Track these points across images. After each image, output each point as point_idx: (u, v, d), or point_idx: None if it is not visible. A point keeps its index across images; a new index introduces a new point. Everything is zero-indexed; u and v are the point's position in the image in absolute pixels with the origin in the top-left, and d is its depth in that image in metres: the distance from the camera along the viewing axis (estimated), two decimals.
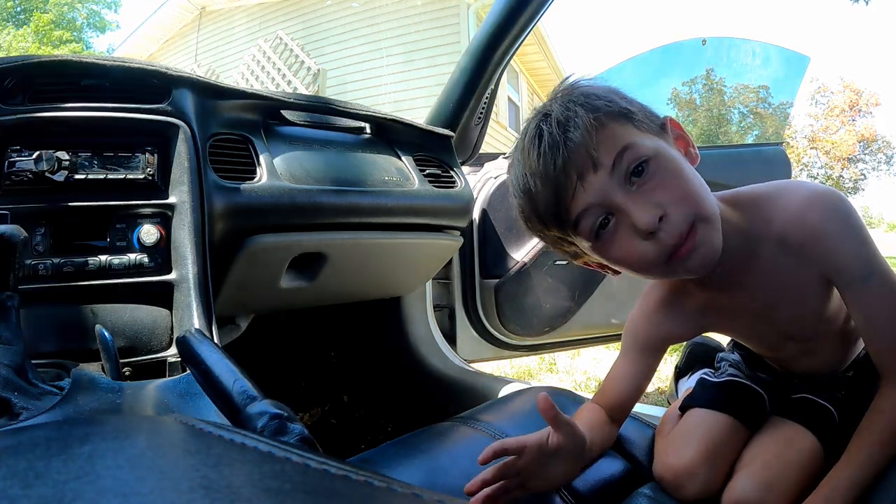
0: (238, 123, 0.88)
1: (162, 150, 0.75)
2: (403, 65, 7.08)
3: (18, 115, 0.68)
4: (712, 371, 0.87)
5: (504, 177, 1.44)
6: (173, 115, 0.77)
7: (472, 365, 1.44)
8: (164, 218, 0.72)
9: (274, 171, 0.87)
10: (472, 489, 0.58)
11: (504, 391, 1.18)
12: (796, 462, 0.66)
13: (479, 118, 1.35)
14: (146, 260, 0.69)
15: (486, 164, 1.50)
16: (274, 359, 1.49)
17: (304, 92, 6.49)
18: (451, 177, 1.17)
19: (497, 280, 1.41)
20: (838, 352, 0.75)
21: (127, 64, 0.77)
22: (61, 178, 0.67)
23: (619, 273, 0.67)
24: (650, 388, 1.92)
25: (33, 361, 0.42)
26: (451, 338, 1.47)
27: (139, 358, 0.62)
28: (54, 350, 0.58)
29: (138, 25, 9.81)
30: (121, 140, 0.73)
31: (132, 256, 0.68)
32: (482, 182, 1.45)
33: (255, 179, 0.85)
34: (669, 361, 2.07)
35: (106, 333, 0.50)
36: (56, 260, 0.65)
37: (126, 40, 10.24)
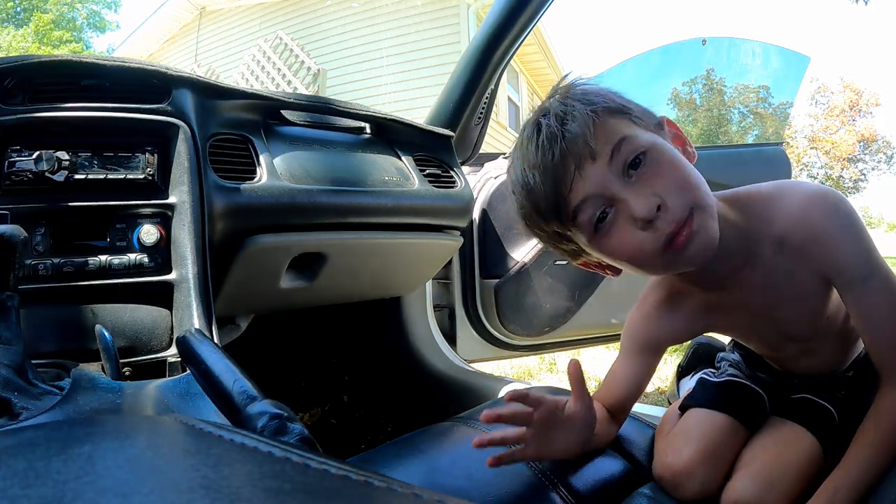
0: (238, 123, 0.88)
1: (162, 150, 0.75)
2: (403, 65, 7.07)
3: (18, 115, 0.68)
4: (713, 371, 0.87)
5: (504, 177, 1.44)
6: (173, 115, 0.77)
7: (472, 365, 1.44)
8: (164, 218, 0.72)
9: (274, 171, 0.87)
10: (488, 418, 0.61)
11: (504, 391, 1.18)
12: (796, 462, 0.66)
13: (479, 118, 1.35)
14: (146, 260, 0.69)
15: (486, 164, 1.50)
16: (274, 359, 1.49)
17: (304, 92, 6.49)
18: (451, 177, 1.17)
19: (497, 280, 1.41)
20: (838, 352, 0.75)
21: (127, 64, 0.77)
22: (61, 178, 0.67)
23: (618, 274, 0.67)
24: (650, 388, 1.92)
25: (33, 361, 0.42)
26: (451, 338, 1.47)
27: (139, 358, 0.62)
28: (54, 350, 0.58)
29: (138, 25, 9.82)
30: (121, 140, 0.73)
31: (132, 256, 0.68)
32: (482, 182, 1.45)
33: (255, 179, 0.85)
34: (670, 361, 2.07)
35: (106, 333, 0.50)
36: (56, 260, 0.65)
37: (126, 40, 10.25)
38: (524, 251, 1.42)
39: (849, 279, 0.61)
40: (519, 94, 8.82)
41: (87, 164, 0.69)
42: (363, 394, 1.53)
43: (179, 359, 0.60)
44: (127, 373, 0.59)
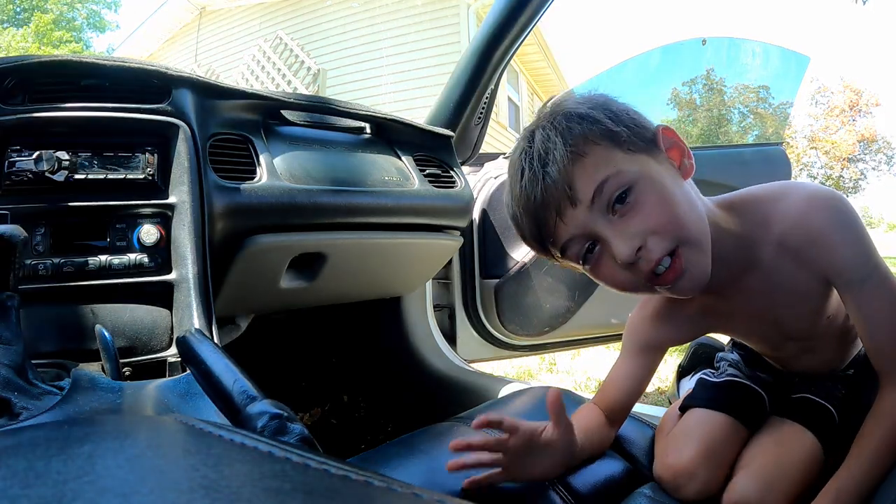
0: (238, 123, 0.88)
1: (162, 150, 0.75)
2: (403, 65, 7.07)
3: (18, 115, 0.68)
4: (713, 371, 0.87)
5: (504, 177, 1.44)
6: (173, 115, 0.77)
7: (472, 365, 1.44)
8: (164, 218, 0.72)
9: (274, 171, 0.87)
10: (457, 446, 0.59)
11: (504, 391, 1.18)
12: (796, 462, 0.66)
13: (479, 118, 1.35)
14: (146, 260, 0.69)
15: (486, 164, 1.50)
16: (274, 359, 1.49)
17: (304, 92, 6.49)
18: (451, 177, 1.17)
19: (497, 280, 1.41)
20: (838, 350, 0.75)
21: (127, 64, 0.77)
22: (61, 178, 0.67)
23: None
24: (650, 388, 1.92)
25: (33, 361, 0.42)
26: (451, 338, 1.47)
27: (139, 358, 0.62)
28: (54, 350, 0.58)
29: (138, 25, 9.82)
30: (121, 140, 0.73)
31: (132, 256, 0.68)
32: (482, 182, 1.45)
33: (255, 179, 0.85)
34: (670, 361, 2.07)
35: (106, 333, 0.50)
36: (56, 260, 0.65)
37: (126, 40, 10.24)
38: (524, 251, 1.42)
39: (848, 280, 0.61)
40: (519, 94, 8.82)
41: (87, 164, 0.69)
42: (363, 394, 1.53)
43: (179, 359, 0.60)
44: (127, 373, 0.59)
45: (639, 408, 0.87)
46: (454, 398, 1.30)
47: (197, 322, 0.65)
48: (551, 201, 0.57)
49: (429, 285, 1.43)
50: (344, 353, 1.55)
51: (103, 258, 0.67)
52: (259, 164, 0.86)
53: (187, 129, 0.77)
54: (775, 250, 0.63)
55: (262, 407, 0.31)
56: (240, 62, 7.93)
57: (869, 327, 0.61)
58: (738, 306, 0.68)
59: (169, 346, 0.64)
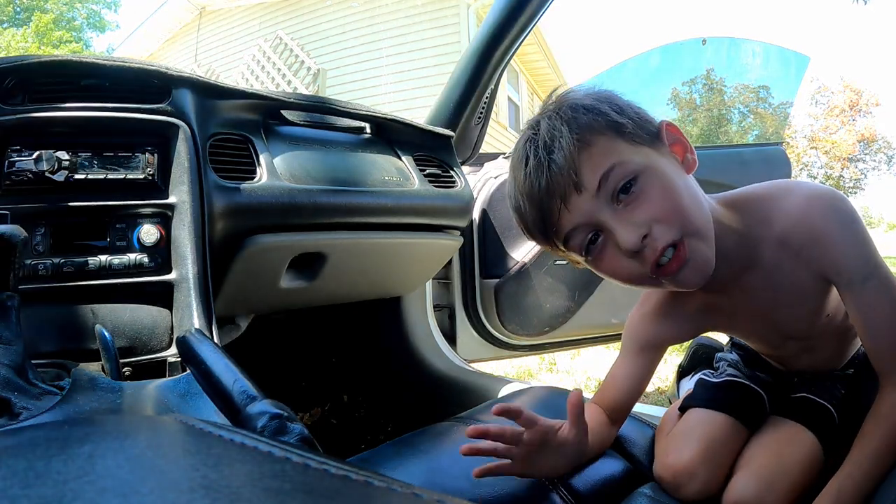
0: (238, 123, 0.88)
1: (162, 150, 0.75)
2: (403, 65, 7.07)
3: (18, 115, 0.68)
4: (712, 371, 0.87)
5: (504, 177, 1.44)
6: (173, 114, 0.77)
7: (472, 365, 1.44)
8: (164, 218, 0.72)
9: (274, 170, 0.87)
10: (474, 432, 0.59)
11: (504, 391, 1.18)
12: (796, 461, 0.66)
13: (479, 118, 1.35)
14: (146, 260, 0.69)
15: (486, 164, 1.50)
16: (274, 359, 1.49)
17: (304, 92, 6.49)
18: (451, 177, 1.17)
19: (497, 280, 1.41)
20: (837, 349, 0.75)
21: (127, 64, 0.77)
22: (61, 178, 0.67)
23: None
24: (650, 388, 1.92)
25: (33, 361, 0.42)
26: (451, 338, 1.47)
27: (139, 358, 0.62)
28: (54, 350, 0.58)
29: (138, 25, 9.82)
30: (121, 140, 0.73)
31: (132, 256, 0.68)
32: (482, 182, 1.45)
33: (255, 179, 0.85)
34: (670, 361, 2.07)
35: (106, 333, 0.50)
36: (56, 260, 0.65)
37: (126, 40, 10.24)
38: (524, 251, 1.42)
39: (849, 279, 0.61)
40: (519, 94, 8.82)
41: (87, 164, 0.69)
42: (363, 394, 1.53)
43: (179, 359, 0.60)
44: (127, 373, 0.59)
45: (639, 408, 0.87)
46: (454, 398, 1.30)
47: (197, 322, 0.65)
48: (556, 188, 0.57)
49: (429, 285, 1.43)
50: (344, 353, 1.55)
51: (103, 258, 0.67)
52: (259, 164, 0.86)
53: (187, 128, 0.77)
54: (776, 248, 0.63)
55: (262, 407, 0.31)
56: (240, 62, 7.93)
57: (869, 327, 0.61)
58: (739, 304, 0.68)
59: (169, 346, 0.64)
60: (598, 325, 1.52)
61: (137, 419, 0.35)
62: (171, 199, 0.72)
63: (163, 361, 0.63)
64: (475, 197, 1.37)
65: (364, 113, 1.08)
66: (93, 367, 0.53)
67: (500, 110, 7.52)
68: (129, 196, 0.71)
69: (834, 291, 0.65)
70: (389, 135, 1.14)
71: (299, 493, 0.17)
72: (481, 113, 1.34)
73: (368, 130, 1.15)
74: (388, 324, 1.43)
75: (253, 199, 0.83)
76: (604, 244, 0.59)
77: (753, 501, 0.64)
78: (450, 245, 1.20)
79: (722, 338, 1.02)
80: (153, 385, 0.47)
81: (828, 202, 0.61)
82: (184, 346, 0.40)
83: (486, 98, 1.31)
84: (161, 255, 0.70)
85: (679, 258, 0.57)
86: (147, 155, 0.73)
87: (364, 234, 1.02)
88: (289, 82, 7.29)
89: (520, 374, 2.31)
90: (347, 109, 1.05)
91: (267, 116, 0.96)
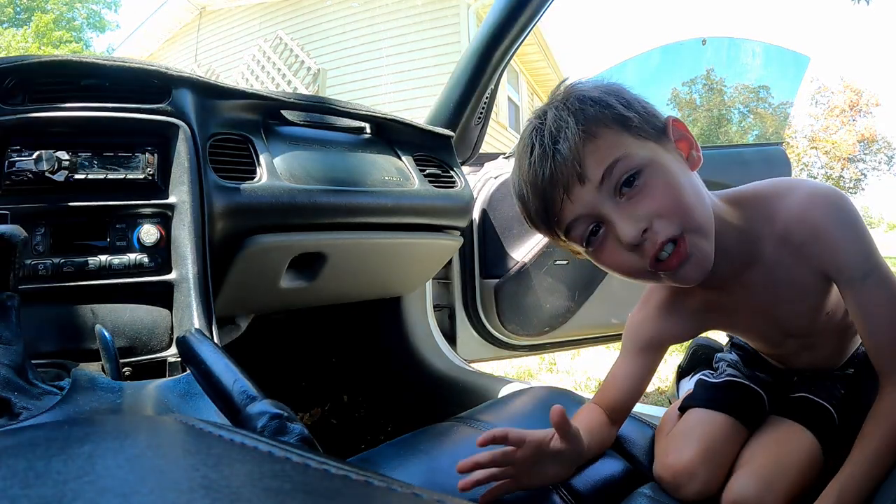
0: (238, 123, 0.88)
1: (162, 150, 0.75)
2: (403, 65, 7.07)
3: (18, 115, 0.68)
4: (712, 372, 0.87)
5: (504, 177, 1.44)
6: (173, 114, 0.77)
7: (472, 365, 1.44)
8: (164, 218, 0.72)
9: (274, 170, 0.87)
10: (464, 468, 0.59)
11: (504, 391, 1.18)
12: (796, 461, 0.66)
13: (479, 118, 1.35)
14: (146, 260, 0.69)
15: (486, 164, 1.50)
16: (274, 359, 1.49)
17: (304, 92, 6.49)
18: (451, 177, 1.17)
19: (497, 280, 1.41)
20: (837, 347, 0.75)
21: (127, 64, 0.77)
22: (61, 178, 0.67)
23: None
24: (650, 388, 1.92)
25: (33, 361, 0.42)
26: (451, 338, 1.47)
27: (139, 358, 0.62)
28: (54, 350, 0.58)
29: (138, 25, 9.82)
30: (121, 140, 0.73)
31: (132, 256, 0.68)
32: (482, 182, 1.45)
33: (255, 179, 0.85)
34: (670, 361, 2.07)
35: (106, 333, 0.50)
36: (56, 260, 0.65)
37: (126, 40, 10.24)
38: (524, 251, 1.42)
39: (849, 277, 0.61)
40: (519, 94, 8.82)
41: (87, 164, 0.69)
42: (363, 394, 1.53)
43: (179, 359, 0.60)
44: (127, 373, 0.59)
45: (639, 408, 0.87)
46: (454, 398, 1.30)
47: (197, 322, 0.65)
48: (560, 178, 0.57)
49: (429, 285, 1.43)
50: (344, 353, 1.55)
51: (103, 258, 0.67)
52: (259, 164, 0.86)
53: (187, 128, 0.77)
54: (777, 245, 0.63)
55: (262, 407, 0.31)
56: (240, 62, 7.93)
57: (869, 325, 0.61)
58: (740, 301, 0.68)
59: (169, 346, 0.64)
60: (598, 326, 1.52)
61: (137, 419, 0.35)
62: (171, 199, 0.72)
63: (163, 361, 0.63)
64: (475, 197, 1.37)
65: (364, 113, 1.08)
66: (93, 367, 0.53)
67: (500, 110, 7.52)
68: (129, 196, 0.71)
69: (834, 289, 0.65)
70: (389, 135, 1.14)
71: (299, 493, 0.17)
72: (481, 113, 1.34)
73: (368, 130, 1.15)
74: (388, 324, 1.43)
75: (253, 199, 0.83)
76: (605, 236, 0.59)
77: (753, 501, 0.63)
78: (450, 245, 1.20)
79: (721, 338, 1.02)
80: (153, 385, 0.47)
81: (829, 200, 0.62)
82: (184, 346, 0.40)
83: (486, 98, 1.31)
84: (161, 255, 0.70)
85: (679, 254, 0.57)
86: (147, 155, 0.73)
87: (364, 234, 1.02)
88: (289, 82, 7.29)
89: (520, 374, 2.31)
90: (347, 109, 1.05)
91: (267, 116, 0.96)
